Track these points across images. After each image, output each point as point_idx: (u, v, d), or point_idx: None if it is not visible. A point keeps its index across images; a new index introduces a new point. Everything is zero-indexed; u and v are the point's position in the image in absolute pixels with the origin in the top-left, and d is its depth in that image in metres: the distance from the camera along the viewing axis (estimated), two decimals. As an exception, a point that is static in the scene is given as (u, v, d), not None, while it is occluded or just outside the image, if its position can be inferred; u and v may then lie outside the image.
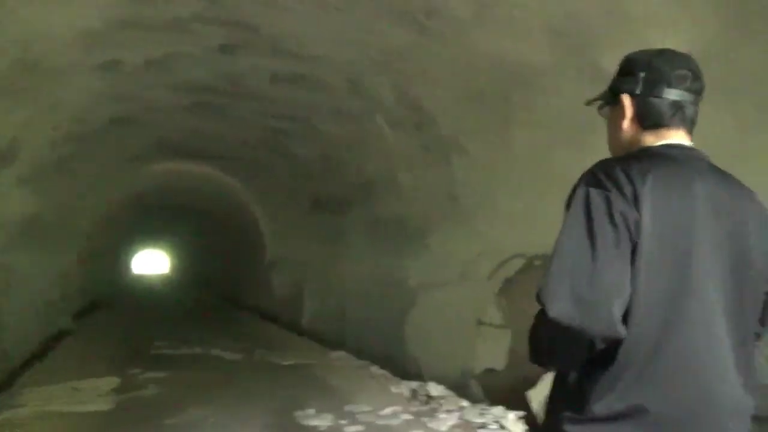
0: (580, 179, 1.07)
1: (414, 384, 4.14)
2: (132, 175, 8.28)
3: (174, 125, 6.60)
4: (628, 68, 1.18)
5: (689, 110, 1.15)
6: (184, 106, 6.01)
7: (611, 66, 1.24)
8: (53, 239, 6.40)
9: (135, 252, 21.25)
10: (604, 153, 1.17)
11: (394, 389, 4.21)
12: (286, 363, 5.41)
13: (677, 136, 1.14)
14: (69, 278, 7.54)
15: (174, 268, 22.69)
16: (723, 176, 1.13)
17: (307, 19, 3.89)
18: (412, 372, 4.62)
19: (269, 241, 9.21)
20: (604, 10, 2.65)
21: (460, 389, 3.93)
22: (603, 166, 1.08)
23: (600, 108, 1.26)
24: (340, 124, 5.39)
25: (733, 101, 2.39)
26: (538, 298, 1.00)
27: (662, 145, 1.13)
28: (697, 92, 1.16)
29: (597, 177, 1.05)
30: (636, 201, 1.01)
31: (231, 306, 11.38)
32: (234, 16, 3.96)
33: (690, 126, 1.16)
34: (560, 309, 0.97)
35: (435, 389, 3.82)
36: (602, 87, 1.23)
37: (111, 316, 9.48)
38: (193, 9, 3.86)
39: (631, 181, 1.02)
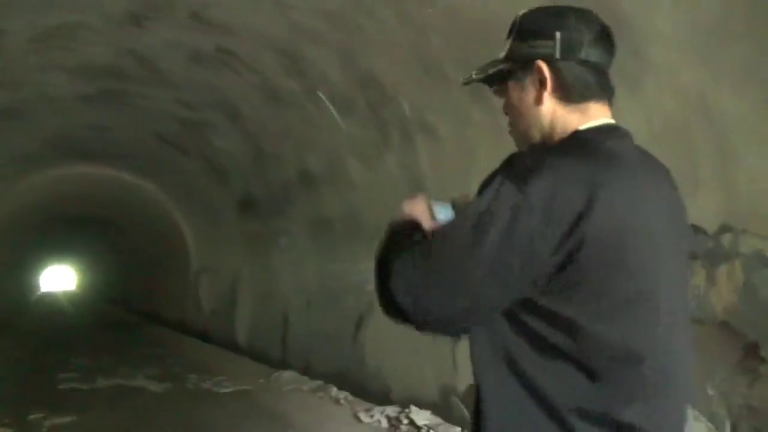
0: (515, 171, 0.88)
1: (390, 410, 3.50)
2: (25, 181, 7.16)
3: (72, 119, 5.66)
4: (538, 28, 0.98)
5: (608, 77, 0.98)
6: (85, 95, 5.12)
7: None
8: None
9: (40, 269, 19.64)
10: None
11: (365, 417, 3.53)
12: (224, 390, 4.64)
13: (602, 113, 0.97)
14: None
15: (83, 284, 21.00)
16: (655, 165, 0.98)
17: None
18: (375, 392, 4.01)
19: (193, 248, 8.36)
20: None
21: (439, 411, 3.36)
22: (545, 160, 0.88)
23: (497, 84, 1.04)
24: (274, 110, 4.70)
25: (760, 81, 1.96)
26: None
27: (594, 130, 0.95)
28: (613, 54, 0.98)
29: (534, 175, 0.86)
30: (583, 221, 0.84)
31: (151, 323, 10.35)
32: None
33: (612, 97, 0.99)
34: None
35: (420, 416, 3.18)
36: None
37: (10, 343, 8.27)
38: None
39: (581, 188, 0.85)
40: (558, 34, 0.95)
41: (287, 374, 4.83)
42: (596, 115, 0.96)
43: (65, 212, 11.26)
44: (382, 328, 4.03)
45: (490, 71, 1.04)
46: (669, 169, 1.00)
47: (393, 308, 0.92)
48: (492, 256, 0.85)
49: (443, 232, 0.93)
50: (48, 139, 6.07)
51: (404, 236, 1.03)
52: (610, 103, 0.99)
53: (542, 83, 0.96)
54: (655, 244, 0.90)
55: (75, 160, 7.11)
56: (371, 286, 3.80)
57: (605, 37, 0.97)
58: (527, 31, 1.00)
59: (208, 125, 5.62)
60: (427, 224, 1.10)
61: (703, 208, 2.11)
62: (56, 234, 13.82)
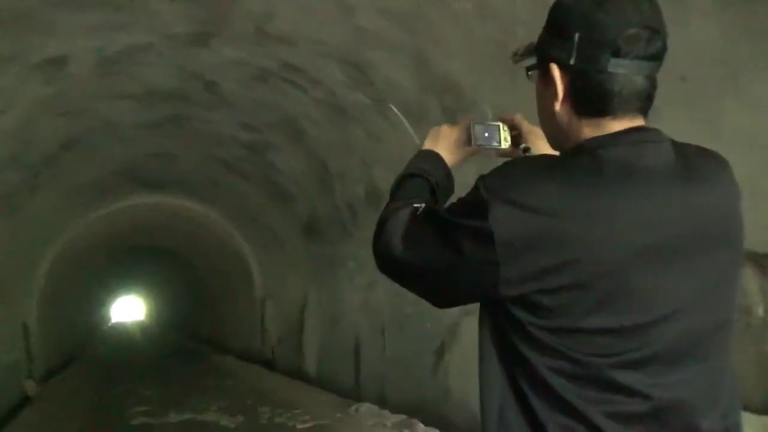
0: (495, 182, 0.83)
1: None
2: (94, 212, 7.22)
3: (136, 147, 5.62)
4: (559, 23, 0.85)
5: (643, 86, 0.82)
6: (148, 123, 5.06)
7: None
8: (4, 292, 5.39)
9: (111, 299, 20.24)
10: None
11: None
12: (302, 426, 4.38)
13: (625, 124, 0.83)
14: (30, 335, 6.51)
15: (152, 314, 21.49)
16: (691, 166, 0.84)
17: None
18: (462, 425, 3.65)
19: (258, 275, 8.24)
20: None
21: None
22: (535, 182, 0.81)
23: (529, 69, 0.93)
24: (338, 126, 4.48)
25: None
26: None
27: (603, 138, 0.83)
28: (656, 57, 0.81)
29: (515, 191, 0.80)
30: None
31: (218, 351, 10.30)
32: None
33: (646, 108, 0.84)
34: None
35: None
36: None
37: (83, 375, 8.35)
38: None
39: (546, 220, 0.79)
40: (577, 36, 0.81)
41: (365, 407, 4.52)
42: (613, 129, 0.84)
43: (133, 243, 11.47)
44: (468, 354, 3.66)
45: (522, 57, 0.95)
46: (725, 164, 0.87)
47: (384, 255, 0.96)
48: (451, 268, 0.85)
49: (420, 229, 0.91)
50: (114, 169, 6.08)
51: (407, 188, 1.03)
52: (645, 113, 0.85)
53: (554, 88, 0.85)
54: (644, 264, 0.80)
55: (140, 189, 7.13)
56: (451, 310, 3.42)
57: (643, 39, 0.80)
58: (552, 22, 0.87)
59: (270, 147, 5.48)
60: (455, 157, 1.11)
61: None
62: (125, 265, 14.15)
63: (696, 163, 0.86)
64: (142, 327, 20.54)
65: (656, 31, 0.82)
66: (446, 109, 3.40)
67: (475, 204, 0.82)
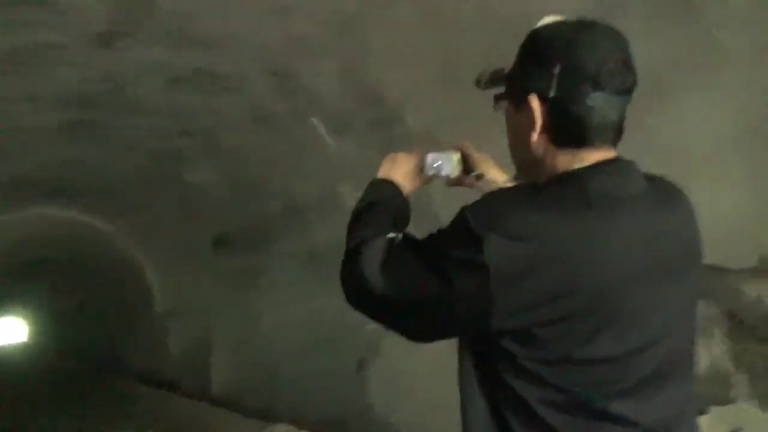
0: (483, 213, 0.81)
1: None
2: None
3: (36, 155, 5.15)
4: (538, 55, 0.87)
5: (618, 118, 0.87)
6: (52, 128, 4.65)
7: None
8: None
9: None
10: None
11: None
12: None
13: (600, 156, 0.86)
14: None
15: (36, 335, 19.76)
16: (662, 197, 0.88)
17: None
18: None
19: (162, 291, 7.80)
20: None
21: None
22: (521, 209, 0.80)
23: (498, 98, 0.96)
24: (257, 136, 4.34)
25: None
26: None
27: (583, 169, 0.84)
28: (629, 91, 0.88)
29: (507, 223, 0.79)
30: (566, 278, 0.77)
31: (114, 374, 9.62)
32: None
33: (618, 139, 0.90)
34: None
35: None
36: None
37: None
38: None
39: (533, 249, 0.77)
40: (558, 67, 0.83)
41: (282, 428, 4.36)
42: (590, 159, 0.86)
43: (18, 258, 10.51)
44: (390, 369, 3.63)
45: (490, 85, 0.95)
46: (683, 193, 0.92)
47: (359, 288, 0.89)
48: (441, 301, 0.81)
49: (403, 260, 0.86)
50: (4, 178, 5.53)
51: (372, 216, 0.98)
52: (616, 144, 0.88)
53: (532, 120, 0.86)
54: (623, 294, 0.80)
55: (32, 200, 6.55)
56: (372, 324, 3.36)
57: (621, 73, 0.83)
58: (529, 53, 0.88)
59: (182, 155, 5.21)
60: (410, 185, 1.09)
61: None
62: (4, 283, 12.93)
63: (664, 192, 0.92)
64: (25, 350, 18.81)
65: (630, 66, 0.86)
66: (373, 122, 3.38)
67: (467, 236, 0.80)
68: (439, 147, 1.17)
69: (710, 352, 2.03)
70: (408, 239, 0.91)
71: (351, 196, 4.02)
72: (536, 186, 0.88)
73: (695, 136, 1.98)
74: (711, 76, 1.93)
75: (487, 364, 0.84)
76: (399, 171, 1.12)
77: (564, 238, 0.78)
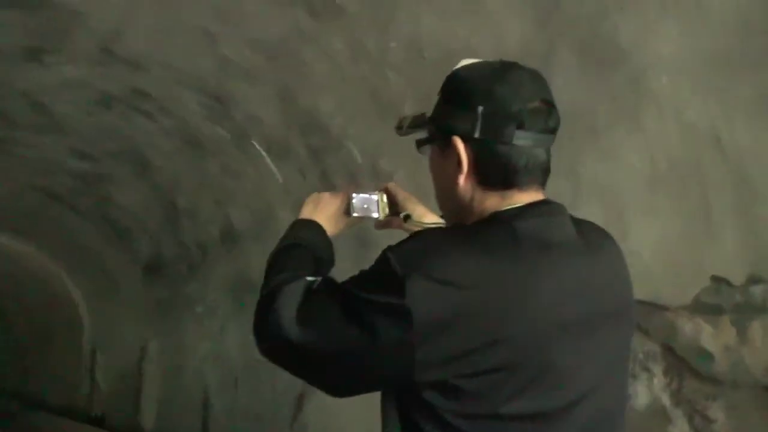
0: (407, 255, 0.76)
1: None
2: None
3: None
4: (461, 96, 0.85)
5: (544, 158, 0.85)
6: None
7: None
8: None
9: None
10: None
11: None
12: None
13: (529, 198, 0.84)
14: None
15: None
16: (589, 240, 0.85)
17: (152, 3, 2.76)
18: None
19: (88, 320, 7.41)
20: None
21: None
22: (442, 251, 0.76)
23: (421, 143, 0.93)
24: (192, 160, 4.18)
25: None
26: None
27: (510, 212, 0.82)
28: (554, 130, 0.86)
29: (431, 266, 0.74)
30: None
31: (33, 409, 9.02)
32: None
33: (545, 179, 0.87)
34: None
35: None
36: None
37: None
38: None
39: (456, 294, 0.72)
40: (480, 109, 0.81)
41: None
42: (520, 201, 0.84)
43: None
44: (329, 407, 3.51)
45: (412, 129, 0.92)
46: (611, 237, 0.91)
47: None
48: (359, 351, 0.76)
49: (321, 306, 0.81)
50: None
51: (291, 258, 0.94)
52: (544, 185, 0.87)
53: (458, 163, 0.84)
54: (551, 336, 0.76)
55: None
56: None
57: (544, 113, 0.83)
58: (451, 95, 0.87)
59: (109, 178, 4.97)
60: (335, 227, 1.06)
61: (723, 256, 1.90)
62: None
63: (593, 238, 0.88)
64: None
65: (553, 105, 0.85)
66: (311, 148, 3.30)
67: (388, 279, 0.75)
68: (366, 188, 1.13)
69: (649, 389, 2.03)
70: (327, 283, 0.85)
71: (289, 222, 3.91)
72: (464, 227, 0.86)
73: (626, 174, 2.01)
74: (637, 117, 1.97)
75: (411, 417, 0.78)
76: (323, 212, 1.07)
77: (491, 284, 0.74)
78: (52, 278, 7.47)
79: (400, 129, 0.95)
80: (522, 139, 0.81)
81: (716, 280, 1.90)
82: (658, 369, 1.94)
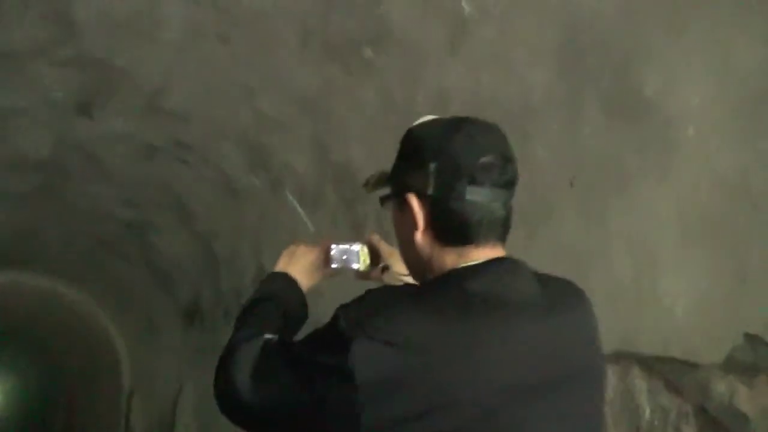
0: (354, 314, 0.76)
1: None
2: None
3: (-1, 220, 5.07)
4: (414, 153, 0.87)
5: (501, 213, 0.85)
6: (17, 194, 4.59)
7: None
8: None
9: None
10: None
11: None
12: None
13: (486, 254, 0.83)
14: None
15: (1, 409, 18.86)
16: (552, 297, 0.82)
17: (194, 62, 2.90)
18: None
19: (127, 365, 7.52)
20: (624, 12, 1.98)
21: None
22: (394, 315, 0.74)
23: (383, 200, 0.94)
24: (229, 208, 4.30)
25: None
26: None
27: (465, 270, 0.80)
28: (510, 183, 0.86)
29: (375, 326, 0.73)
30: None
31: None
32: (95, 51, 2.87)
33: (504, 234, 0.87)
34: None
35: None
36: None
37: None
38: (36, 37, 2.71)
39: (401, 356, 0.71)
40: (432, 166, 0.82)
41: None
42: (476, 258, 0.83)
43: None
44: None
45: (375, 187, 0.93)
46: (580, 293, 0.88)
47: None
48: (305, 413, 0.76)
49: (272, 365, 0.80)
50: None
51: (256, 314, 0.94)
52: (503, 240, 0.86)
53: (413, 219, 0.84)
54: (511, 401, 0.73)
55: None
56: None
57: (497, 167, 0.82)
58: (405, 152, 0.88)
59: (153, 226, 5.14)
60: (310, 280, 1.06)
61: (757, 312, 1.82)
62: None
63: (557, 294, 0.85)
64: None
65: (508, 159, 0.84)
66: (343, 197, 3.35)
67: (335, 338, 0.75)
68: (345, 240, 1.13)
69: (682, 452, 1.93)
70: (281, 342, 0.85)
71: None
72: (416, 287, 0.86)
73: (656, 226, 1.95)
74: (666, 168, 1.93)
75: None
76: (297, 265, 1.09)
77: (437, 346, 0.73)
78: (96, 321, 7.67)
79: (366, 186, 0.97)
80: (475, 194, 0.81)
81: (750, 337, 1.81)
82: (691, 430, 1.84)
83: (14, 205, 4.79)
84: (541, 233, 2.35)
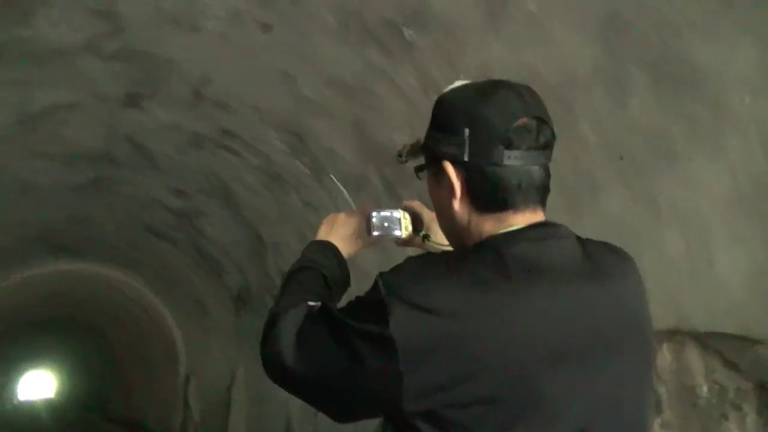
0: (394, 281, 0.76)
1: None
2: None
3: (55, 211, 5.28)
4: (447, 121, 0.83)
5: (540, 176, 0.81)
6: (70, 185, 4.78)
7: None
8: None
9: (16, 375, 18.59)
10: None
11: None
12: None
13: (526, 219, 0.80)
14: None
15: (62, 391, 19.84)
16: (596, 262, 0.80)
17: (237, 49, 2.94)
18: None
19: (182, 349, 7.78)
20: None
21: None
22: (430, 280, 0.74)
23: (418, 170, 0.93)
24: (273, 194, 4.36)
25: None
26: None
27: (505, 236, 0.79)
28: (548, 146, 0.81)
29: (416, 293, 0.73)
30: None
31: (135, 430, 9.52)
32: (141, 44, 2.94)
33: (544, 198, 0.83)
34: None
35: None
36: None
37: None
38: (85, 32, 2.80)
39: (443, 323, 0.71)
40: (466, 132, 0.80)
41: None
42: (516, 223, 0.81)
43: (42, 313, 10.66)
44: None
45: (409, 157, 0.92)
46: (627, 258, 0.86)
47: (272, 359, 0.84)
48: (343, 381, 0.76)
49: (315, 333, 0.80)
50: (25, 234, 5.66)
51: (300, 282, 0.93)
52: (543, 204, 0.84)
53: (450, 187, 0.82)
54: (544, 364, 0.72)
55: (54, 256, 6.67)
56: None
57: (533, 129, 0.80)
58: (438, 120, 0.86)
59: (201, 213, 5.27)
60: (351, 247, 1.04)
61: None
62: (33, 337, 13.10)
63: (602, 260, 0.83)
64: (51, 406, 18.89)
65: (543, 120, 0.81)
66: (386, 180, 3.36)
67: (375, 305, 0.75)
68: (386, 207, 1.11)
69: (741, 430, 1.88)
70: (324, 309, 0.84)
71: (367, 252, 3.97)
72: (455, 254, 0.85)
73: (709, 199, 1.89)
74: (718, 139, 1.86)
75: None
76: (338, 233, 1.07)
77: (475, 312, 0.72)
78: (151, 308, 7.94)
79: (400, 157, 0.97)
80: (512, 158, 0.79)
81: (813, 311, 1.75)
82: (750, 408, 1.79)
83: (69, 196, 4.98)
84: (588, 210, 2.31)
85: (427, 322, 0.72)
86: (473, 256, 0.79)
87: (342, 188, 3.64)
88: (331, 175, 3.62)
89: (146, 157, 4.30)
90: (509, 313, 0.73)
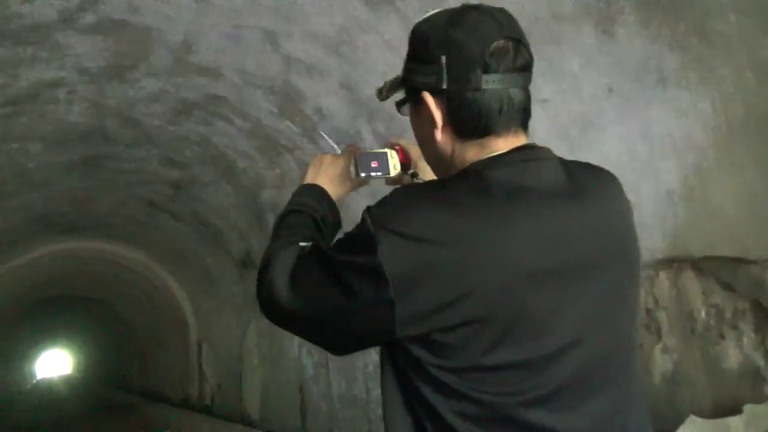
0: (380, 213, 0.77)
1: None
2: (7, 264, 6.72)
3: (51, 192, 5.27)
4: (422, 50, 0.82)
5: (519, 99, 0.80)
6: (63, 165, 4.76)
7: None
8: None
9: (34, 355, 18.92)
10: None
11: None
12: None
13: (508, 144, 0.80)
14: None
15: (79, 367, 20.23)
16: (579, 182, 0.81)
17: (216, 12, 2.88)
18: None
19: (192, 317, 7.89)
20: None
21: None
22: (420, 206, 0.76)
23: (399, 104, 0.91)
24: (268, 157, 4.35)
25: None
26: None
27: (487, 161, 0.79)
28: (527, 67, 0.81)
29: (401, 222, 0.75)
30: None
31: (152, 402, 9.75)
32: (117, 13, 2.88)
33: (525, 121, 0.83)
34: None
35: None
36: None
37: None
38: (59, 5, 2.74)
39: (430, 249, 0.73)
40: (443, 59, 0.79)
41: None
42: (498, 148, 0.81)
43: (53, 292, 10.78)
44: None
45: (390, 92, 0.90)
46: (611, 177, 0.87)
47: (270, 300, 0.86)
48: (339, 313, 0.78)
49: (308, 270, 0.82)
50: (26, 216, 5.67)
51: (290, 225, 0.94)
52: (525, 128, 0.83)
53: (431, 117, 0.82)
54: (539, 283, 0.75)
55: (57, 236, 6.70)
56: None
57: (509, 51, 0.79)
58: (414, 50, 0.85)
59: (198, 182, 5.26)
60: (340, 189, 1.04)
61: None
62: (47, 317, 13.29)
63: (586, 181, 0.84)
64: (70, 382, 19.29)
65: (519, 42, 0.80)
66: (378, 134, 3.35)
67: (363, 238, 0.76)
68: (373, 148, 1.11)
69: (739, 348, 1.93)
70: (315, 248, 0.86)
71: (357, 195, 3.99)
72: (438, 182, 0.85)
73: (701, 126, 1.89)
74: (707, 62, 1.84)
75: (408, 381, 0.79)
76: (326, 175, 1.07)
77: (461, 237, 0.73)
78: (158, 280, 8.02)
79: (380, 94, 0.94)
80: (490, 82, 0.78)
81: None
82: (747, 327, 1.83)
83: (66, 176, 4.97)
84: (582, 145, 2.31)
85: (414, 250, 0.73)
86: (457, 182, 0.80)
87: (334, 145, 3.62)
88: (322, 132, 3.61)
89: (137, 129, 4.27)
90: (494, 235, 0.74)
